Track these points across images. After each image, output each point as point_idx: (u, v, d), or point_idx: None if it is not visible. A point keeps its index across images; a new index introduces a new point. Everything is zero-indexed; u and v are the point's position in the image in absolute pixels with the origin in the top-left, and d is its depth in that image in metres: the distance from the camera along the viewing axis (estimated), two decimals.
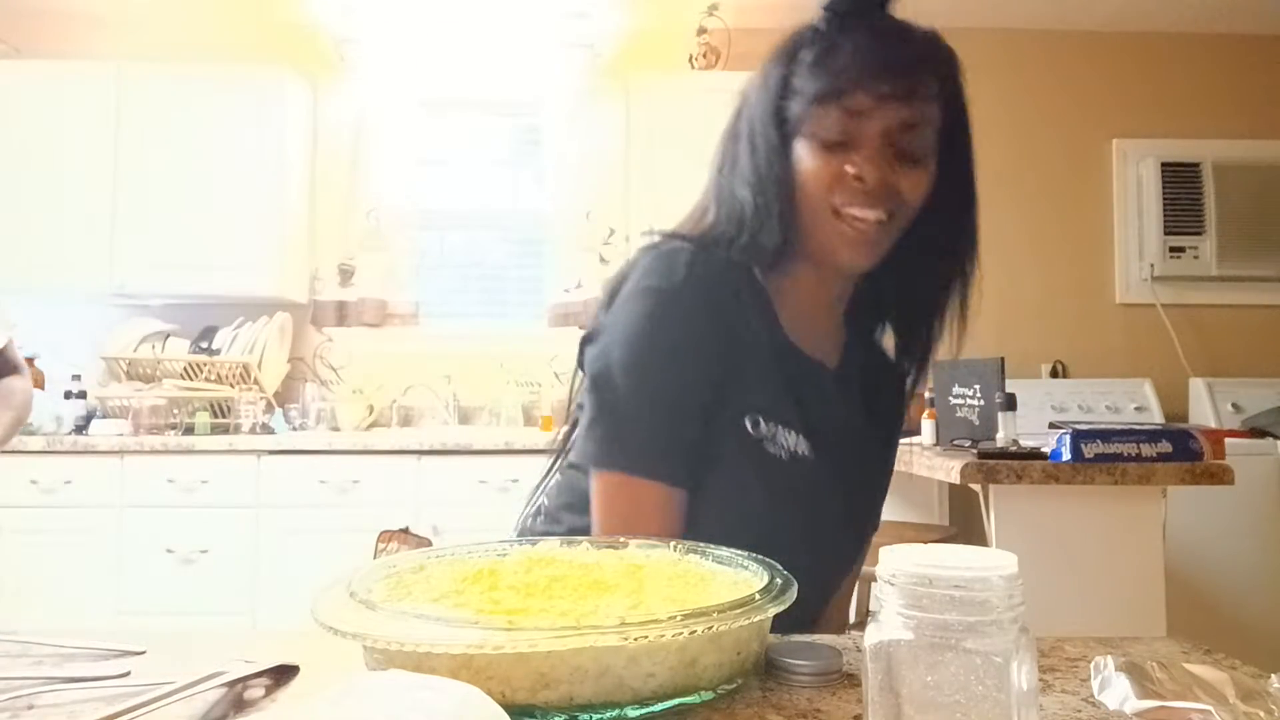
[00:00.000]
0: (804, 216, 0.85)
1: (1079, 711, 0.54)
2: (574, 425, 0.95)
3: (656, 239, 0.90)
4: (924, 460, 2.25)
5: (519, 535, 0.98)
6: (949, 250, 0.90)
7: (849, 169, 0.81)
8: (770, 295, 0.89)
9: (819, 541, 0.88)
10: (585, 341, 0.89)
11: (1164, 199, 3.49)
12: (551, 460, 1.00)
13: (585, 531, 0.87)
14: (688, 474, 0.83)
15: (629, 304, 0.85)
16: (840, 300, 0.94)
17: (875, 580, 0.42)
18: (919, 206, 0.84)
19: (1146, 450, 1.96)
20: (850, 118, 0.81)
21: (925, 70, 0.83)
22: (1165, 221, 3.49)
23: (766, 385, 0.86)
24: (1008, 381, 2.41)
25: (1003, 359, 2.47)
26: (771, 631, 0.63)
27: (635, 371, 0.83)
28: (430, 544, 2.89)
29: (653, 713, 0.52)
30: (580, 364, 0.90)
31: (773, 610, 0.54)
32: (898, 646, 0.41)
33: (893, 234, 0.84)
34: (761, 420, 0.84)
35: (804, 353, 0.90)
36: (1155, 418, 3.24)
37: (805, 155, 0.83)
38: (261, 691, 0.56)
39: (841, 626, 1.02)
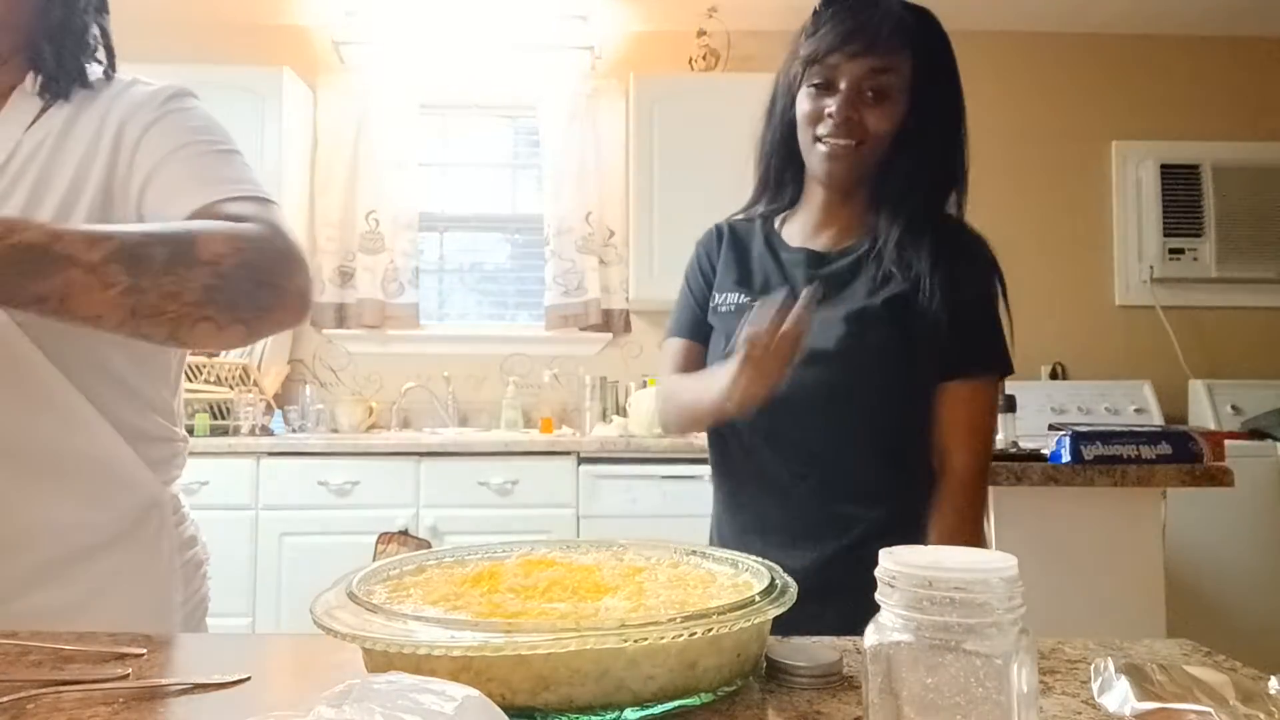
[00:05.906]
0: (802, 146, 1.12)
1: (1079, 714, 0.54)
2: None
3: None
4: None
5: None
6: (939, 158, 1.11)
7: (827, 107, 1.06)
8: (774, 222, 1.20)
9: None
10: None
11: (1163, 201, 3.49)
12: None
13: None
14: None
15: None
16: (849, 199, 1.14)
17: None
18: (892, 132, 1.07)
19: (1146, 452, 1.95)
20: (830, 70, 1.07)
21: (889, 29, 1.05)
22: (1164, 223, 3.49)
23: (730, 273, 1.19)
24: (1007, 383, 2.41)
25: None
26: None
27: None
28: (429, 546, 2.88)
29: (652, 715, 0.52)
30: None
31: (773, 612, 0.54)
32: (898, 648, 0.41)
33: (868, 156, 1.08)
34: (715, 293, 1.18)
35: (790, 245, 1.16)
36: (1155, 419, 3.24)
37: (802, 100, 1.10)
38: None
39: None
